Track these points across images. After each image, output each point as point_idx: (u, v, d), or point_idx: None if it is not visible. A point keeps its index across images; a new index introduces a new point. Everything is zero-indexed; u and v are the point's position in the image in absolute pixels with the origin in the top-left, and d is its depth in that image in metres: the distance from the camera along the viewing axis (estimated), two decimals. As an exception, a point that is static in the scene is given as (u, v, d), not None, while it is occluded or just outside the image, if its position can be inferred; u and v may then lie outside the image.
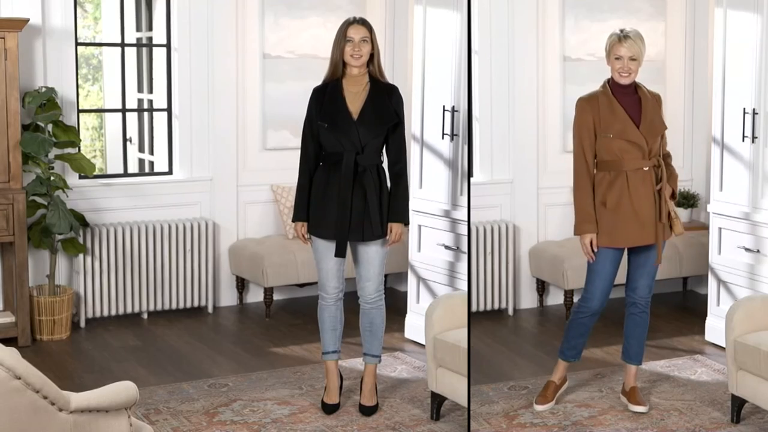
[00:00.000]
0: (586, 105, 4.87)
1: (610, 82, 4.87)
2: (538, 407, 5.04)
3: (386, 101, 4.84)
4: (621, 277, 6.64)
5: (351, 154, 4.79)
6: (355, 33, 4.78)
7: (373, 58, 4.85)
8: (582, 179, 4.86)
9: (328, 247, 4.89)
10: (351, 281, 6.18)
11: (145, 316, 6.74)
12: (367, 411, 4.99)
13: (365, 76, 4.86)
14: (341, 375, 5.18)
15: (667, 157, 4.99)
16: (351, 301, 5.35)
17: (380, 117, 4.81)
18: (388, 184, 4.92)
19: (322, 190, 4.86)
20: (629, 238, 4.87)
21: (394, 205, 4.87)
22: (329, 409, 5.01)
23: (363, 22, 4.83)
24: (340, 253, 4.83)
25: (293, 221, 4.96)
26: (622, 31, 4.79)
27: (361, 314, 5.06)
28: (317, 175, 4.89)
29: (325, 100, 4.83)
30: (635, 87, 4.88)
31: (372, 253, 4.90)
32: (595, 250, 4.86)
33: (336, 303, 5.00)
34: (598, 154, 4.90)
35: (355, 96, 4.83)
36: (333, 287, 4.96)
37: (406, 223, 4.92)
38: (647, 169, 4.84)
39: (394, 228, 4.86)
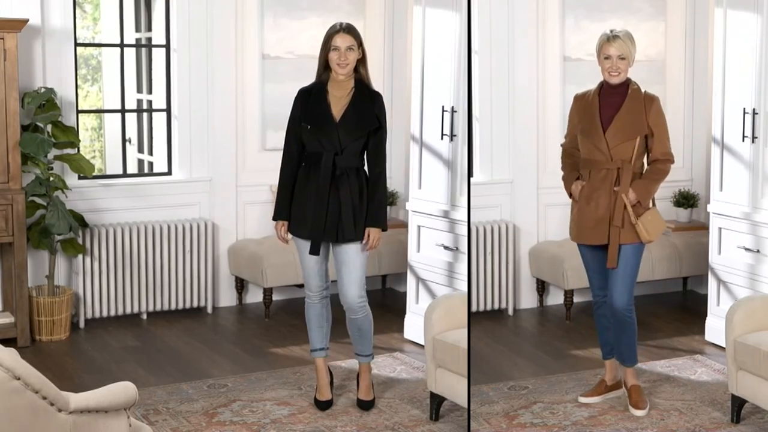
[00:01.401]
0: (574, 102, 5.08)
1: (603, 83, 4.93)
2: (581, 399, 5.13)
3: (369, 106, 4.88)
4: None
5: (330, 155, 4.83)
6: (341, 42, 4.81)
7: (360, 64, 4.88)
8: (562, 162, 5.14)
9: (307, 245, 4.93)
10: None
11: (145, 316, 6.73)
12: (366, 405, 5.06)
13: (351, 80, 4.90)
14: (331, 371, 5.21)
15: (658, 162, 4.93)
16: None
17: (361, 120, 4.86)
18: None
19: (301, 189, 4.91)
20: (585, 235, 4.99)
21: (372, 210, 4.89)
22: (323, 405, 5.05)
23: (349, 30, 4.84)
24: (314, 250, 4.87)
25: (274, 219, 5.00)
26: (612, 31, 4.88)
27: (347, 321, 5.07)
28: (300, 174, 4.93)
29: (310, 102, 4.89)
30: (627, 87, 4.90)
31: (352, 254, 4.90)
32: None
33: (321, 301, 5.05)
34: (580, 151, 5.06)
35: (339, 100, 4.87)
36: (316, 285, 5.01)
37: (384, 228, 4.93)
38: (609, 170, 4.89)
39: (372, 233, 4.88)
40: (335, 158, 4.83)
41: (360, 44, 4.85)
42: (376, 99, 4.91)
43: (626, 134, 4.86)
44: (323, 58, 4.87)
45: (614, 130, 4.87)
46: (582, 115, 4.98)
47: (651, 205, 4.95)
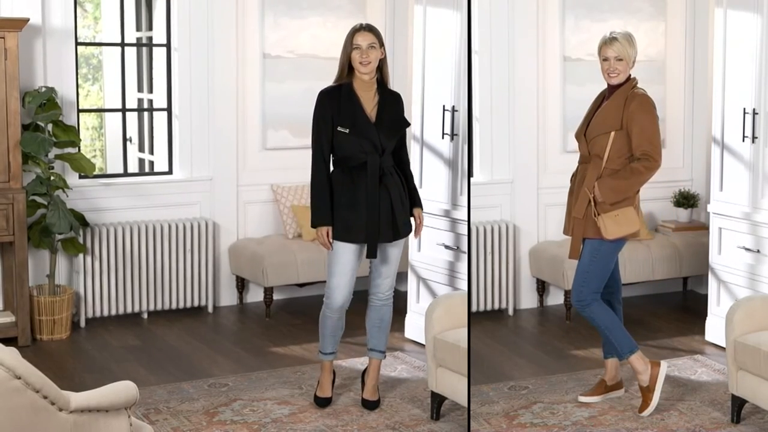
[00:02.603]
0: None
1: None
2: (581, 398, 5.14)
3: (397, 106, 4.95)
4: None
5: (375, 158, 4.83)
6: (363, 40, 4.81)
7: (382, 63, 4.89)
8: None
9: (353, 251, 4.90)
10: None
11: (145, 315, 6.74)
12: (371, 405, 5.06)
13: (374, 81, 4.90)
14: (334, 371, 5.23)
15: (637, 160, 4.87)
16: (352, 302, 5.34)
17: (396, 122, 4.92)
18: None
19: (347, 194, 4.85)
20: (565, 227, 5.12)
21: (414, 194, 5.05)
22: (322, 402, 5.08)
23: (370, 29, 4.86)
24: (372, 253, 4.86)
25: (315, 226, 4.87)
26: (611, 33, 4.94)
27: (370, 311, 5.10)
28: (337, 179, 4.89)
29: (342, 104, 4.84)
30: (621, 87, 4.92)
31: (396, 252, 5.01)
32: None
33: (340, 313, 5.02)
34: None
35: (368, 101, 4.89)
36: (341, 296, 4.93)
37: (422, 207, 5.12)
38: (586, 165, 4.98)
39: (418, 213, 5.03)
40: (380, 160, 4.85)
41: (381, 44, 4.86)
42: (399, 99, 4.98)
43: (599, 129, 4.93)
44: (345, 59, 4.85)
45: (592, 126, 4.96)
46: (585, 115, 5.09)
47: (635, 203, 4.95)
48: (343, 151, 4.86)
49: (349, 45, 4.82)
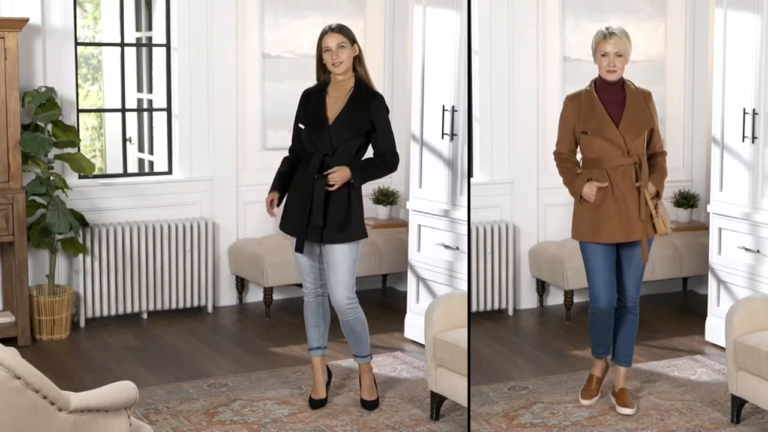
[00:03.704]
0: (569, 103, 5.02)
1: (597, 81, 4.95)
2: (585, 401, 5.11)
3: (364, 108, 4.86)
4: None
5: (319, 155, 4.85)
6: (332, 41, 4.84)
7: (356, 62, 4.89)
8: (561, 168, 5.05)
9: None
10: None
11: (145, 315, 6.74)
12: (370, 405, 5.07)
13: (350, 81, 4.91)
14: (329, 370, 5.22)
15: (658, 155, 4.99)
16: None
17: (353, 123, 4.86)
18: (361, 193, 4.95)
19: (293, 187, 4.96)
20: (611, 234, 4.91)
21: (362, 163, 4.89)
22: (316, 404, 5.07)
23: (339, 29, 4.87)
24: (299, 248, 4.89)
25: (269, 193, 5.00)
26: (607, 28, 4.89)
27: (341, 324, 5.06)
28: (297, 173, 4.97)
29: (309, 103, 4.94)
30: (622, 84, 4.91)
31: (338, 256, 4.87)
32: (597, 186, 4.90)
33: (316, 299, 5.06)
34: (582, 153, 5.01)
35: (336, 101, 4.90)
36: (309, 282, 5.04)
37: (356, 179, 4.83)
38: (627, 165, 4.88)
39: (338, 170, 4.80)
40: (324, 159, 4.84)
41: (353, 41, 4.87)
42: (373, 100, 4.89)
43: (639, 128, 4.89)
44: (318, 61, 4.92)
45: (627, 125, 4.87)
46: (585, 115, 4.93)
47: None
48: (303, 147, 4.95)
49: (319, 48, 4.87)
